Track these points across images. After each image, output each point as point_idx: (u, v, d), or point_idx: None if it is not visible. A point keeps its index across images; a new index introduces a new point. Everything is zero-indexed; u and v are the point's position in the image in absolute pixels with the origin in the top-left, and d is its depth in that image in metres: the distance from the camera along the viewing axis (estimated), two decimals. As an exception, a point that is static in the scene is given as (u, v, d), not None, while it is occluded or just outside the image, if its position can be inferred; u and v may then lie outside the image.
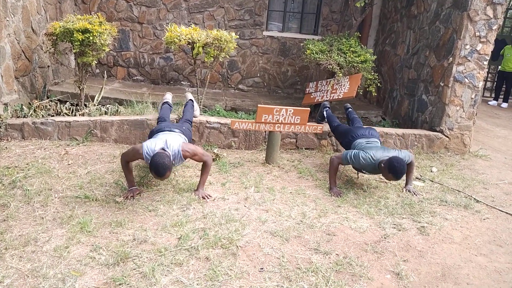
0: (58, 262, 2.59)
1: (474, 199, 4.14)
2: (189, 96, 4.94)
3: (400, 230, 3.37)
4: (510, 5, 11.05)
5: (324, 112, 5.21)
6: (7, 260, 2.57)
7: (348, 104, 5.42)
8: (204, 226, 3.15)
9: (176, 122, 4.79)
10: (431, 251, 3.12)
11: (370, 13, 7.59)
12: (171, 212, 3.34)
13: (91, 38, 4.81)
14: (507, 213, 3.91)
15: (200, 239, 2.96)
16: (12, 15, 5.02)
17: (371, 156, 3.80)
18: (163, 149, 3.36)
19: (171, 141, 3.45)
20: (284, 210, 3.56)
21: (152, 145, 3.36)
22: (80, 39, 4.77)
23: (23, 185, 3.56)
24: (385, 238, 3.24)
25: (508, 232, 3.53)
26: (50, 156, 4.27)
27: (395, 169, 3.58)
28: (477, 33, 5.21)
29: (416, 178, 4.58)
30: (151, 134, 3.86)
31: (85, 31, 4.79)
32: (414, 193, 4.11)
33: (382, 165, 3.70)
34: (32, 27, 5.62)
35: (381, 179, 4.46)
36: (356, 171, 4.30)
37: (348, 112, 5.22)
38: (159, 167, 3.12)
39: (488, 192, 4.41)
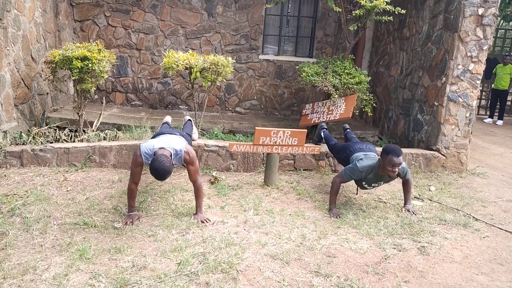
0: (57, 291, 2.57)
1: (473, 217, 4.15)
2: (188, 117, 5.02)
3: (400, 251, 3.37)
4: (500, 25, 11.32)
5: (322, 133, 5.26)
6: (5, 290, 2.55)
7: (347, 125, 5.49)
8: (203, 250, 3.14)
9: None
10: (432, 271, 3.11)
11: (363, 36, 7.76)
12: (171, 237, 3.33)
13: (90, 65, 4.89)
14: (506, 231, 3.91)
15: (200, 264, 2.95)
16: (12, 45, 5.11)
17: (368, 163, 3.86)
18: (162, 148, 3.35)
19: (172, 141, 3.46)
20: (284, 232, 3.55)
21: (149, 145, 3.38)
22: (79, 67, 4.85)
23: (22, 212, 3.55)
24: (385, 259, 3.23)
25: (509, 250, 3.52)
26: (49, 183, 4.27)
27: (391, 147, 3.70)
28: (469, 53, 5.32)
29: (414, 197, 4.59)
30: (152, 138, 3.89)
31: (84, 58, 4.87)
32: (413, 213, 4.11)
33: (380, 159, 3.78)
34: (31, 55, 5.72)
35: (380, 200, 4.47)
36: (357, 187, 4.29)
37: (347, 133, 5.27)
38: (159, 172, 3.15)
39: (487, 210, 4.42)
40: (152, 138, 3.91)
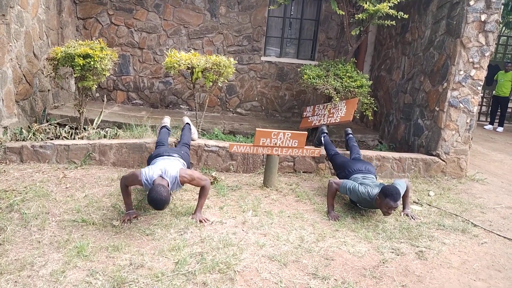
0: (54, 287, 2.56)
1: (472, 223, 4.14)
2: (186, 119, 5.01)
3: (398, 255, 3.36)
4: (502, 32, 11.34)
5: (322, 139, 5.26)
6: (2, 285, 2.54)
7: (349, 129, 5.48)
8: (201, 250, 3.14)
9: (175, 145, 4.82)
10: (430, 276, 3.10)
11: (366, 40, 7.78)
12: (169, 236, 3.33)
13: (92, 63, 4.89)
14: (505, 237, 3.90)
15: (198, 263, 2.94)
16: (15, 41, 5.12)
17: (368, 192, 3.84)
18: (161, 176, 3.38)
19: (169, 168, 3.47)
20: (282, 234, 3.54)
21: (150, 172, 3.39)
22: (81, 64, 4.85)
23: (20, 208, 3.55)
24: (383, 262, 3.22)
25: (507, 257, 3.52)
26: (48, 179, 4.27)
27: (390, 191, 3.65)
28: (471, 59, 5.33)
29: (413, 202, 4.59)
30: (150, 160, 3.90)
31: (86, 56, 4.88)
32: (412, 217, 4.11)
33: (378, 197, 3.74)
34: (34, 52, 5.72)
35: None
36: (351, 202, 4.32)
37: (348, 138, 5.27)
38: (157, 203, 3.17)
39: (486, 216, 4.41)
40: (149, 159, 3.93)
